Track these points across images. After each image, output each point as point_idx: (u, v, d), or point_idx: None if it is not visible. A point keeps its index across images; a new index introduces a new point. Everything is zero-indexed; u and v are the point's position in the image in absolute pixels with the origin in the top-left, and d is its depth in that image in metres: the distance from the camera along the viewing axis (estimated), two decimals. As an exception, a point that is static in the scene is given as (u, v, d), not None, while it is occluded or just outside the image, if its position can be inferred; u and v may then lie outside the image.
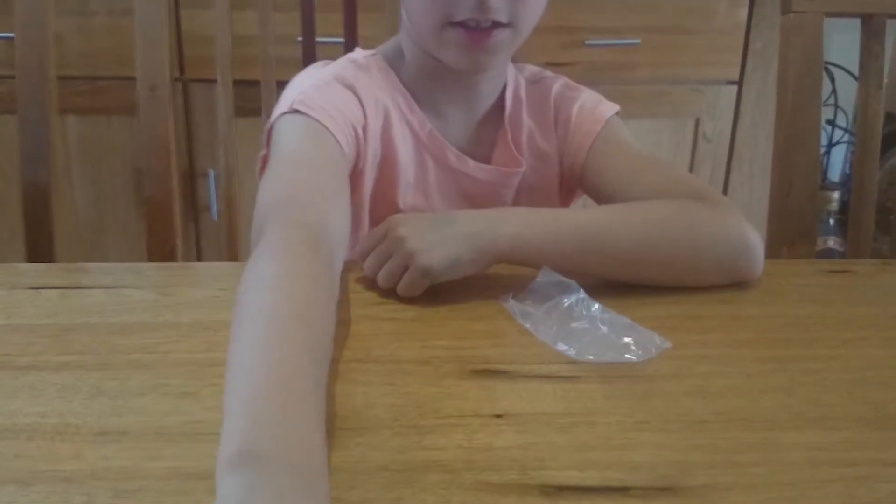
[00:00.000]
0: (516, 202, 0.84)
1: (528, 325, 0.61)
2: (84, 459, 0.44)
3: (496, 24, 0.70)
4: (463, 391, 0.53)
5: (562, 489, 0.43)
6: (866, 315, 0.68)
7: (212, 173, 1.59)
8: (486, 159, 0.82)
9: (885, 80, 0.96)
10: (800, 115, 0.95)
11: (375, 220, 0.79)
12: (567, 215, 0.70)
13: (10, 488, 0.42)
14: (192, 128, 1.58)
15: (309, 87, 0.74)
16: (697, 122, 1.70)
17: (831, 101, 1.95)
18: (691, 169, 1.72)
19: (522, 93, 0.83)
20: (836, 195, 1.80)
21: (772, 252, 0.95)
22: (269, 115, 0.76)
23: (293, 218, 0.59)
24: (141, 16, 0.91)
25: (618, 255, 0.68)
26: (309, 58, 1.03)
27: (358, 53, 0.81)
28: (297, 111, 0.71)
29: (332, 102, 0.72)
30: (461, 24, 0.69)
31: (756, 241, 0.70)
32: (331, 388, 0.52)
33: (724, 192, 1.74)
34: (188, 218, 1.63)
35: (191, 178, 1.61)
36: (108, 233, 1.63)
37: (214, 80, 0.98)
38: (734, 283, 0.70)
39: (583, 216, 0.70)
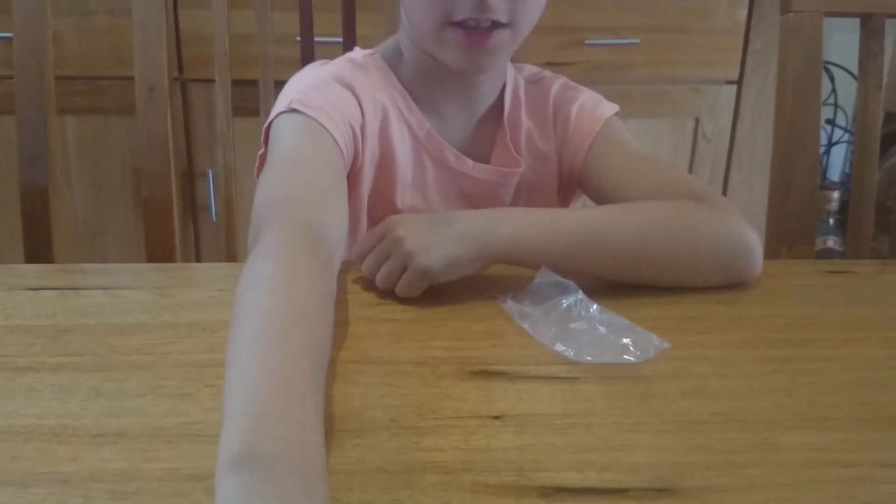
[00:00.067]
0: (515, 203, 0.83)
1: (526, 326, 0.61)
2: (82, 461, 0.44)
3: (496, 25, 0.69)
4: (461, 392, 0.53)
5: (560, 490, 0.43)
6: (865, 315, 0.68)
7: (210, 173, 1.59)
8: (485, 159, 0.82)
9: (885, 80, 0.96)
10: (799, 114, 0.95)
11: (374, 220, 0.79)
12: (566, 216, 0.70)
13: (8, 490, 0.42)
14: (191, 128, 1.58)
15: (307, 86, 0.73)
16: (697, 121, 1.70)
17: (831, 100, 1.95)
18: (691, 169, 1.72)
19: (521, 93, 0.83)
20: (835, 195, 1.80)
21: (771, 252, 0.95)
22: (267, 115, 0.76)
23: (291, 218, 0.59)
24: (139, 16, 0.91)
25: (617, 256, 0.68)
26: (307, 57, 1.03)
27: (357, 53, 0.81)
28: (294, 110, 0.71)
29: (330, 102, 0.72)
30: (461, 25, 0.69)
31: (755, 241, 0.70)
32: (329, 389, 0.52)
33: (724, 191, 1.74)
34: (187, 218, 1.63)
35: (189, 178, 1.61)
36: (106, 233, 1.62)
37: (213, 80, 0.98)
38: (733, 284, 0.70)
39: (582, 216, 0.70)
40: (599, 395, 0.53)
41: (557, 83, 0.85)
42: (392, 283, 0.65)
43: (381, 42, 0.83)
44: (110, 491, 0.42)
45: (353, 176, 0.76)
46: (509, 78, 0.83)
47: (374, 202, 0.80)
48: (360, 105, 0.75)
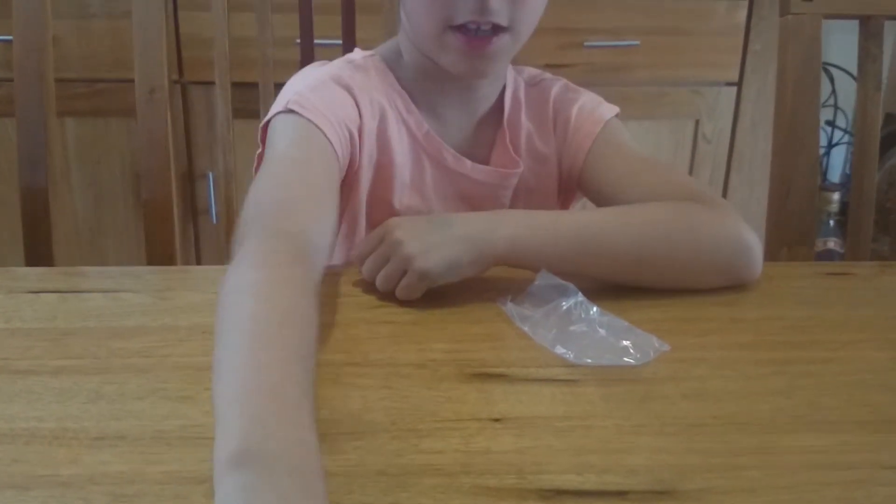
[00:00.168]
0: (514, 205, 0.83)
1: (526, 329, 0.61)
2: (82, 464, 0.44)
3: (496, 30, 0.70)
4: (461, 395, 0.53)
5: (560, 493, 0.43)
6: (865, 317, 0.68)
7: (211, 175, 1.59)
8: (484, 161, 0.82)
9: (884, 82, 0.96)
10: (799, 116, 0.95)
11: (372, 222, 0.79)
12: (566, 217, 0.70)
13: (8, 493, 0.42)
14: (191, 130, 1.58)
15: (305, 87, 0.74)
16: (697, 123, 1.70)
17: (831, 101, 1.95)
18: (691, 170, 1.72)
19: (521, 95, 0.83)
20: (835, 196, 1.80)
21: (771, 253, 0.95)
22: (267, 118, 0.76)
23: (277, 227, 0.59)
24: (139, 18, 0.91)
25: (617, 258, 0.68)
26: (307, 60, 1.03)
27: (356, 54, 0.81)
28: (291, 111, 0.71)
29: (326, 103, 0.72)
30: (461, 29, 0.69)
31: (755, 242, 0.70)
32: (328, 391, 0.52)
33: (724, 193, 1.74)
34: (187, 220, 1.63)
35: (190, 180, 1.61)
36: (106, 235, 1.62)
37: (213, 83, 0.98)
38: (733, 286, 0.70)
39: (581, 218, 0.70)
40: (599, 397, 0.53)
41: (557, 85, 0.85)
42: (392, 285, 0.65)
43: (381, 44, 0.83)
44: (110, 494, 0.42)
45: (350, 177, 0.76)
46: (509, 80, 0.83)
47: (373, 203, 0.80)
48: (357, 106, 0.75)
